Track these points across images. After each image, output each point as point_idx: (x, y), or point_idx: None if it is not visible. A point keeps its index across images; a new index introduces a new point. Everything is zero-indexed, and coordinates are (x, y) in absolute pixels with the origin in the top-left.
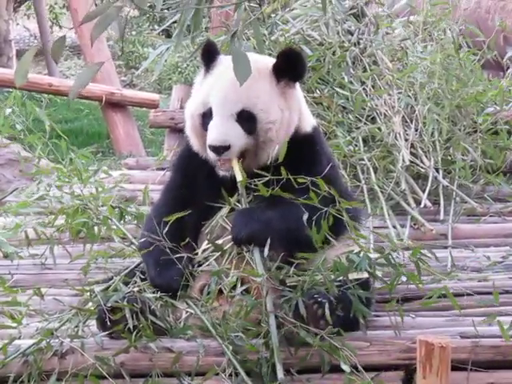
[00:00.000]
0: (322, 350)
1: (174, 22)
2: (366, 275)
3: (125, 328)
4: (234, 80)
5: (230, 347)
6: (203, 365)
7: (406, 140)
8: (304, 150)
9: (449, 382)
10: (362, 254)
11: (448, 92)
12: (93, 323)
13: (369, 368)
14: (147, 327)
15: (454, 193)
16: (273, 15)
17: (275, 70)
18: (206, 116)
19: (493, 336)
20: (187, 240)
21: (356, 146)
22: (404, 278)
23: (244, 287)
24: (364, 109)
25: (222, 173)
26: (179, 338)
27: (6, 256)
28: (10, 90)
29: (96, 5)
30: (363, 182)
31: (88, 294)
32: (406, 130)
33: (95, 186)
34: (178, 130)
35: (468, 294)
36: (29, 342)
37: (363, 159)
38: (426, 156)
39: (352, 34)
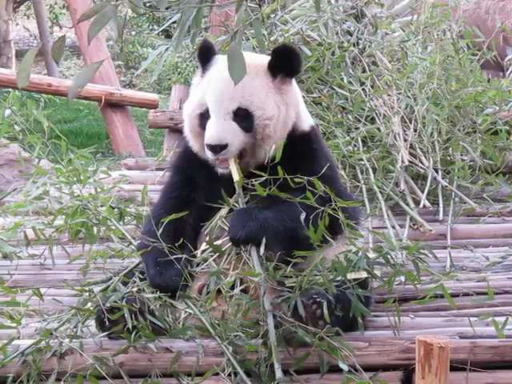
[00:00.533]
0: (320, 350)
1: (174, 22)
2: (364, 275)
3: (124, 328)
4: (230, 79)
5: (229, 347)
6: (202, 365)
7: (405, 140)
8: (302, 149)
9: (447, 383)
10: (360, 253)
11: (447, 92)
12: (92, 323)
13: (368, 368)
14: (146, 327)
15: (453, 193)
16: (272, 16)
17: (270, 67)
18: (204, 116)
19: (491, 336)
20: (186, 240)
21: (355, 146)
22: (403, 278)
23: (242, 287)
24: (363, 109)
25: (220, 171)
26: (178, 338)
27: (5, 256)
28: (10, 90)
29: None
30: (362, 182)
31: (87, 294)
32: (405, 131)
33: (94, 187)
34: (177, 131)
35: (466, 294)
36: (28, 342)
37: (362, 159)
38: (425, 156)
39: (351, 35)
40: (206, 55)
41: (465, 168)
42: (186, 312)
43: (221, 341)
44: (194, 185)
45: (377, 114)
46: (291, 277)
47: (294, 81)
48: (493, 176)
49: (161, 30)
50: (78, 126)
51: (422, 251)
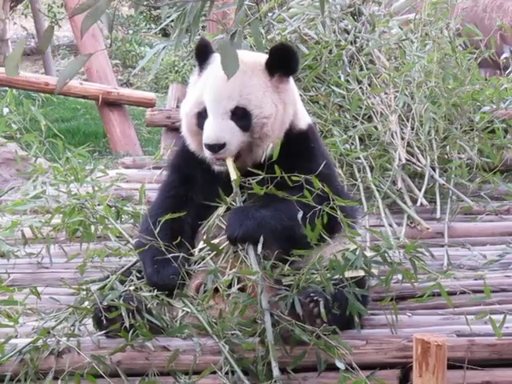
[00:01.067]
0: (318, 349)
1: (172, 20)
2: (362, 273)
3: (121, 327)
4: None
5: (227, 346)
6: (199, 363)
7: (403, 139)
8: (299, 147)
9: (445, 381)
10: (357, 252)
11: (445, 90)
12: (89, 322)
13: (365, 366)
14: (143, 326)
15: (451, 191)
16: (269, 14)
17: (268, 66)
18: (202, 115)
19: (489, 334)
20: (183, 239)
21: (352, 144)
22: (400, 276)
23: (239, 286)
24: (360, 107)
25: (217, 168)
26: (175, 336)
27: (2, 255)
28: (7, 88)
29: None
30: (359, 180)
31: (84, 292)
32: (402, 129)
33: (92, 185)
34: (174, 129)
35: (463, 293)
36: (25, 341)
37: (359, 158)
38: (423, 154)
39: (348, 33)
40: (203, 54)
41: (462, 166)
42: (183, 310)
43: (218, 339)
44: (192, 183)
45: (374, 113)
46: (288, 275)
47: (291, 79)
48: (490, 174)
49: (158, 28)
50: (76, 124)
51: (418, 250)
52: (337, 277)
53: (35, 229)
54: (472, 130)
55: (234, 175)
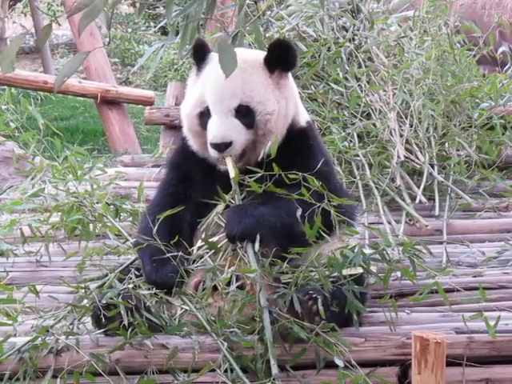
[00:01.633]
0: (316, 346)
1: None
2: (360, 271)
3: (120, 325)
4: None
5: (225, 343)
6: (198, 361)
7: (401, 136)
8: (298, 144)
9: (444, 378)
10: (356, 249)
11: (443, 88)
12: (88, 320)
13: (364, 364)
14: (142, 324)
15: (449, 188)
16: (268, 12)
17: (267, 62)
18: (204, 115)
19: (487, 331)
20: (182, 237)
21: (351, 141)
22: (399, 274)
23: (238, 283)
24: (359, 105)
25: (223, 167)
26: (174, 334)
27: (1, 253)
28: (5, 87)
29: None
30: (358, 177)
31: (83, 291)
32: (401, 126)
33: (90, 183)
34: (173, 127)
35: (459, 290)
36: (24, 340)
37: (358, 155)
38: (421, 152)
39: (347, 30)
40: (200, 54)
41: (461, 163)
42: (181, 308)
43: (217, 337)
44: (190, 181)
45: (372, 110)
46: (287, 273)
47: (290, 75)
48: (489, 171)
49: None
50: (74, 123)
51: (417, 247)
52: (335, 274)
53: (34, 227)
54: (470, 126)
55: (232, 173)
